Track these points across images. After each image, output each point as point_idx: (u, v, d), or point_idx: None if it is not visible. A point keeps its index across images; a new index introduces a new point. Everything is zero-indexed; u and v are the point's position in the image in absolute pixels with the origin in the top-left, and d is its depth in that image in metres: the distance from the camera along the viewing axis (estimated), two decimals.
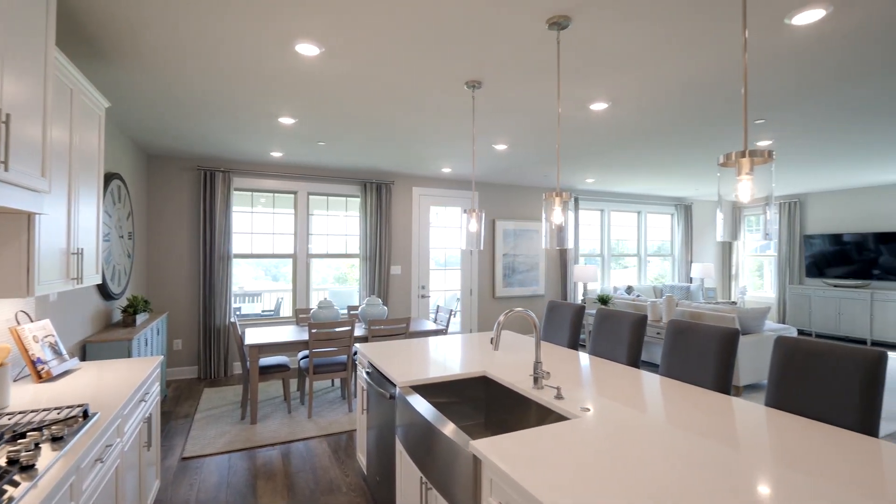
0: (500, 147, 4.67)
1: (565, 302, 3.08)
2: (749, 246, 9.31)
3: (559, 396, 1.89)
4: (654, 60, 2.63)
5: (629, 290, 7.39)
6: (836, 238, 7.75)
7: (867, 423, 1.59)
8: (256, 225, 5.63)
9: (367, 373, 2.65)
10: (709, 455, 1.35)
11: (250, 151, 4.88)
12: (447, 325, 4.60)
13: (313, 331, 3.85)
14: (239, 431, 3.66)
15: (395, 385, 2.20)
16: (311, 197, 5.84)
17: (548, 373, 2.01)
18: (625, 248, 8.54)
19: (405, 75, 2.85)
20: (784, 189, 7.78)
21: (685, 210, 8.79)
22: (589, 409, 1.76)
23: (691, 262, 9.01)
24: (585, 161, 5.37)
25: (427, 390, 2.24)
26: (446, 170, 5.87)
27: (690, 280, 8.93)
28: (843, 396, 1.66)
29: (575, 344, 2.97)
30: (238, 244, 5.54)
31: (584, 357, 2.60)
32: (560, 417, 1.81)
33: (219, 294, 5.21)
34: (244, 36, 2.35)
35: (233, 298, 5.43)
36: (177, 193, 5.22)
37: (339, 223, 6.06)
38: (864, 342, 7.30)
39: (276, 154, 4.99)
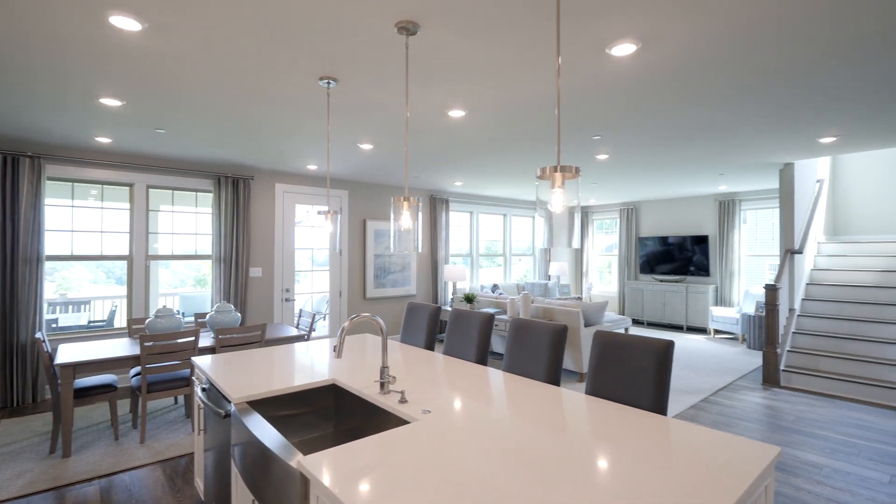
0: (366, 146, 4.60)
1: (423, 303, 3.13)
2: (597, 246, 10.51)
3: (403, 400, 1.89)
4: (502, 75, 2.79)
5: (494, 288, 7.84)
6: (663, 240, 9.10)
7: (658, 403, 1.86)
8: (81, 221, 4.79)
9: (203, 389, 2.39)
10: (535, 444, 1.45)
11: (68, 135, 4.13)
12: (310, 331, 4.40)
13: (146, 343, 3.39)
14: (46, 468, 3.07)
15: (230, 401, 2.02)
16: (151, 190, 5.14)
17: (394, 377, 2.00)
18: (496, 249, 9.04)
19: (252, 64, 2.63)
20: (624, 197, 8.92)
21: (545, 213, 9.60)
22: (430, 411, 1.78)
23: (550, 261, 9.88)
24: (451, 165, 5.55)
25: (270, 404, 2.09)
26: (312, 167, 5.62)
27: (549, 277, 9.78)
28: (642, 381, 1.91)
29: (431, 344, 3.03)
30: (54, 244, 4.66)
31: (437, 357, 2.66)
32: (402, 422, 1.81)
33: (25, 304, 4.32)
34: None
35: (45, 308, 4.55)
36: None
37: (189, 220, 5.44)
38: (681, 328, 8.70)
39: (104, 139, 4.29)
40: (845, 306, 5.40)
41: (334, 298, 6.48)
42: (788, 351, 5.23)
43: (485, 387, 2.11)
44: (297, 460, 1.37)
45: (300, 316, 4.66)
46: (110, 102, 3.23)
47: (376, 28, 2.23)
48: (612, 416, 1.72)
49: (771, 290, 5.04)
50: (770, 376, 5.05)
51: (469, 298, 5.98)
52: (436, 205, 7.64)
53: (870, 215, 6.78)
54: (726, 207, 8.18)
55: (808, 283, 5.88)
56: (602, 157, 5.14)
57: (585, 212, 10.50)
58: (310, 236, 6.33)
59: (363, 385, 2.12)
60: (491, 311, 5.75)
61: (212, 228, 5.40)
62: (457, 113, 3.50)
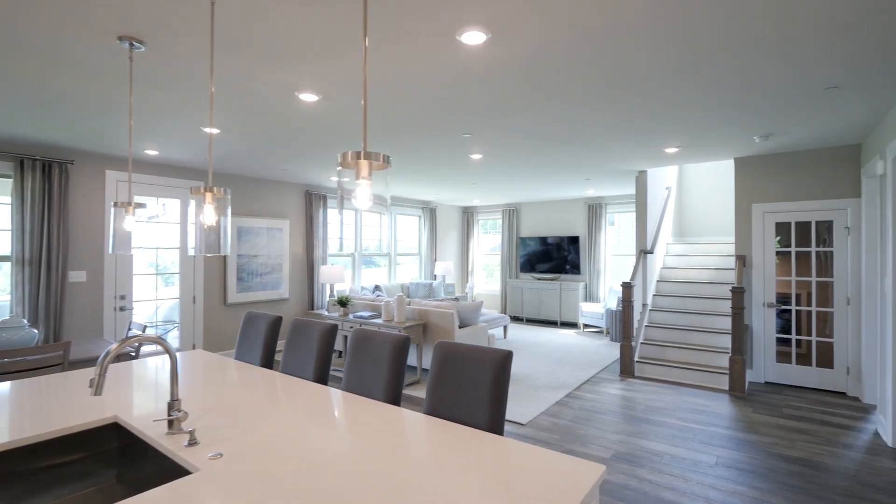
0: (213, 130, 4.00)
1: (261, 313, 2.72)
2: (484, 246, 10.71)
3: (193, 442, 1.51)
4: (350, 56, 2.49)
5: (376, 289, 7.53)
6: (542, 240, 9.50)
7: (495, 420, 1.70)
8: None
9: None
10: (349, 490, 1.17)
11: None
12: (138, 348, 3.70)
13: None
14: None
15: None
16: None
17: (185, 412, 1.60)
18: (381, 248, 8.71)
19: (29, 12, 2.02)
20: (506, 198, 9.15)
21: (430, 213, 9.52)
22: (221, 455, 1.43)
23: (436, 260, 9.82)
24: (318, 158, 5.12)
25: (29, 452, 1.57)
26: (152, 152, 4.81)
27: (435, 277, 9.72)
28: (480, 396, 1.75)
29: (270, 361, 2.63)
30: None
31: (270, 377, 2.28)
32: (184, 471, 1.44)
33: None
34: None
35: None
36: None
37: None
38: (556, 323, 9.16)
39: None
40: (688, 301, 6.00)
41: (186, 306, 5.66)
42: (642, 343, 5.67)
43: (312, 414, 1.79)
44: None
45: (128, 329, 3.92)
46: None
47: None
48: (449, 441, 1.52)
49: (626, 288, 5.40)
50: (626, 367, 5.41)
51: (343, 302, 5.60)
52: (312, 201, 7.11)
53: (707, 219, 7.69)
54: (594, 210, 8.77)
55: (658, 281, 6.45)
56: (476, 156, 5.09)
57: (471, 212, 10.63)
58: (156, 234, 5.45)
59: (149, 424, 1.69)
60: (365, 314, 5.44)
61: (11, 222, 4.35)
62: (309, 97, 3.13)
